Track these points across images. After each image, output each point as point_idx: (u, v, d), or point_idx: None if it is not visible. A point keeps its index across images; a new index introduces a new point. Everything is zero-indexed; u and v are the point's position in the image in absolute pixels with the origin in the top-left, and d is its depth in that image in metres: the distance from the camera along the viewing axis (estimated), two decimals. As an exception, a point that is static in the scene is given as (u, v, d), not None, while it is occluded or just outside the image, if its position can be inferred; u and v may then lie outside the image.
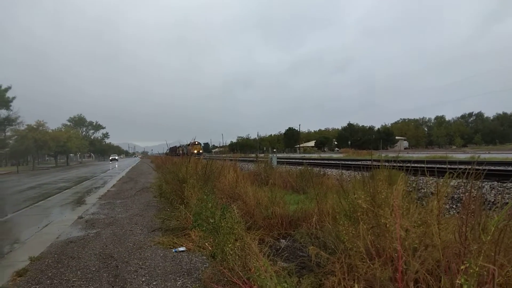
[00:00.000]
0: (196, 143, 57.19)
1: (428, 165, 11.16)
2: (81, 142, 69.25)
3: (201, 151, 57.63)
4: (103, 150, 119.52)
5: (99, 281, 3.61)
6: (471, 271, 1.49)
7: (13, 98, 38.10)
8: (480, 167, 3.20)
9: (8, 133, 45.09)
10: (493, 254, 1.55)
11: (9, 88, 37.18)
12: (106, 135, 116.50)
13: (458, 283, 1.51)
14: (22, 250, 5.09)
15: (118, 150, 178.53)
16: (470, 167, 2.90)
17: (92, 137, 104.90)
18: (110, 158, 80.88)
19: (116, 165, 41.85)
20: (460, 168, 3.32)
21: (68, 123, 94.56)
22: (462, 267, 1.54)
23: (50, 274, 3.88)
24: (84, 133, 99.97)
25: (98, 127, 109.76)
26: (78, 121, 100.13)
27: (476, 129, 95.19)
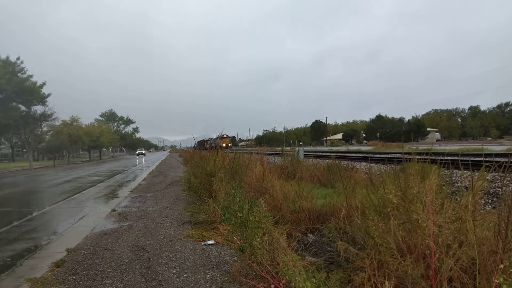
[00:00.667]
0: (225, 136, 55.81)
1: (462, 158, 10.76)
2: (113, 137, 71.27)
3: (230, 144, 56.28)
4: (134, 144, 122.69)
5: (132, 272, 3.74)
6: (511, 270, 1.43)
7: (49, 94, 39.61)
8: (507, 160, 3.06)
9: (44, 129, 47.05)
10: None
11: (44, 84, 38.64)
12: (136, 130, 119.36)
13: (496, 282, 1.45)
14: (59, 241, 5.33)
15: (148, 144, 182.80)
16: (507, 159, 2.77)
17: (123, 132, 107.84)
18: (137, 152, 74.78)
19: (144, 160, 42.88)
20: (496, 161, 3.18)
21: (100, 118, 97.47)
22: (501, 266, 1.48)
23: (86, 265, 4.05)
24: (115, 127, 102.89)
25: (128, 121, 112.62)
26: (110, 116, 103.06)
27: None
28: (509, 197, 1.89)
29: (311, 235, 4.80)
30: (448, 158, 7.15)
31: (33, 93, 36.75)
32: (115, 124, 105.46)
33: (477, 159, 10.88)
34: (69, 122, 50.33)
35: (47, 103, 40.45)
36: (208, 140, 51.70)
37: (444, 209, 2.64)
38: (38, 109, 40.30)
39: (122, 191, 11.36)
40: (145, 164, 31.40)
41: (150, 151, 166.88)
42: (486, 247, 2.11)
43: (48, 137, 50.37)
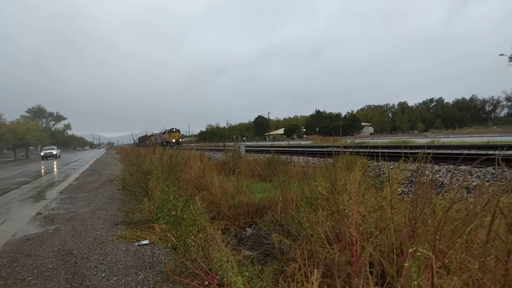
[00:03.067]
0: (174, 130, 49.70)
1: (390, 150, 11.53)
2: (41, 134, 66.14)
3: (180, 139, 49.87)
4: (66, 142, 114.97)
5: (57, 278, 3.47)
6: (418, 254, 1.54)
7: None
8: (431, 151, 3.32)
9: (-40, 126, 42.37)
10: (437, 237, 1.60)
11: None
12: (68, 126, 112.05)
13: (405, 265, 1.55)
14: (-27, 250, 4.80)
15: (82, 142, 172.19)
16: (423, 151, 2.99)
17: (53, 129, 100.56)
18: (42, 154, 46.64)
19: (76, 159, 40.13)
20: (418, 153, 3.42)
21: (27, 115, 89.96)
22: (410, 250, 1.59)
23: (3, 274, 3.68)
24: (44, 124, 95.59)
25: (59, 118, 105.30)
26: (37, 112, 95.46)
27: (436, 114, 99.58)
28: (417, 186, 2.03)
29: (249, 229, 4.83)
30: (376, 150, 7.65)
31: None
32: (44, 120, 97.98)
33: (402, 151, 11.73)
34: (-10, 118, 45.73)
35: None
36: (152, 135, 47.53)
37: (366, 199, 2.79)
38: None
39: (50, 192, 10.54)
40: (79, 163, 29.51)
41: (85, 149, 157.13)
42: (403, 233, 2.26)
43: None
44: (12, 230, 5.70)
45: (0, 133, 45.85)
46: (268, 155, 11.55)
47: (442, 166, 7.35)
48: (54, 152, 45.53)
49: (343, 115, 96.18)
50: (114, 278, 3.38)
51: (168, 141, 45.68)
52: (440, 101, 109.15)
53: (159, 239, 4.47)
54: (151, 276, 3.39)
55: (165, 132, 48.25)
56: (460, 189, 5.55)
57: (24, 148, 64.54)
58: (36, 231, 5.52)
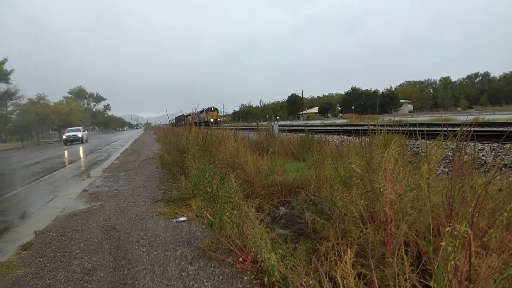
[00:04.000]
0: (212, 109, 47.49)
1: (429, 128, 11.08)
2: (84, 115, 69.20)
3: (219, 118, 46.84)
4: (106, 123, 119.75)
5: (101, 252, 3.71)
6: (456, 233, 1.50)
7: (11, 71, 37.57)
8: (473, 129, 3.16)
9: (9, 108, 45.06)
10: (476, 215, 1.55)
11: (5, 60, 36.60)
12: (107, 107, 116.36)
13: (441, 245, 1.52)
14: (27, 224, 5.21)
15: (121, 122, 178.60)
16: (465, 128, 2.85)
17: (94, 109, 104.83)
18: (65, 136, 35.16)
19: (116, 139, 41.59)
20: (458, 130, 3.27)
21: (69, 96, 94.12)
22: (447, 229, 1.54)
23: (53, 247, 3.98)
24: (85, 105, 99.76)
25: (99, 98, 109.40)
26: (79, 93, 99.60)
27: (482, 90, 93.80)
28: (455, 162, 1.95)
29: (283, 208, 4.88)
30: (415, 128, 7.36)
31: (-6, 70, 34.83)
32: (85, 101, 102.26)
33: (442, 128, 11.22)
34: (35, 100, 48.32)
35: (10, 81, 38.51)
36: (189, 115, 46.77)
37: (401, 177, 2.72)
38: (1, 87, 38.38)
39: (94, 170, 11.13)
40: (118, 143, 30.76)
41: (124, 129, 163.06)
42: (440, 212, 2.20)
43: (14, 117, 48.28)
44: (61, 206, 6.10)
45: (45, 114, 48.21)
46: (301, 134, 11.47)
47: (486, 144, 6.98)
48: (80, 135, 34.95)
49: (380, 92, 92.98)
50: (154, 253, 3.55)
51: (206, 120, 44.85)
52: (486, 75, 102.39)
53: (196, 216, 4.62)
54: (188, 251, 3.54)
55: (203, 111, 47.63)
56: (502, 167, 5.27)
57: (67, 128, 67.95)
58: (82, 207, 5.88)
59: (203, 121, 44.82)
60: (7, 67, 37.11)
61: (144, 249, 3.67)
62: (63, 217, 5.32)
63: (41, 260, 3.60)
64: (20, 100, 44.12)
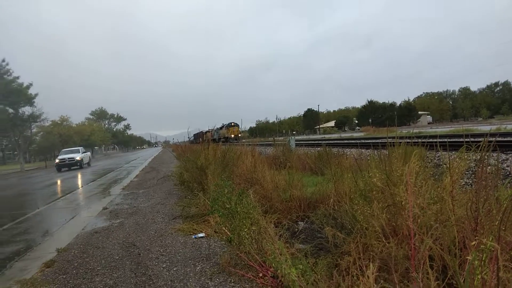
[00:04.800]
0: (233, 124, 45.43)
1: (450, 140, 10.84)
2: (104, 135, 70.83)
3: (240, 134, 45.06)
4: (126, 142, 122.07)
5: (122, 268, 3.73)
6: (482, 247, 1.45)
7: (36, 94, 39.11)
8: (495, 139, 3.07)
9: (34, 130, 46.57)
10: (503, 229, 1.50)
11: (31, 85, 38.16)
12: (127, 127, 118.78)
13: (468, 259, 1.47)
14: (50, 242, 5.31)
15: (141, 141, 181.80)
16: (489, 139, 2.78)
17: (114, 129, 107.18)
18: (57, 159, 27.16)
19: (136, 157, 42.17)
20: (481, 141, 3.19)
21: (91, 117, 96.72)
22: (473, 243, 1.50)
23: (76, 264, 4.04)
24: (106, 125, 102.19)
25: (119, 119, 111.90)
26: (100, 114, 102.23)
27: (503, 99, 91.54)
28: (479, 174, 1.90)
29: (302, 222, 4.83)
30: (435, 140, 7.22)
31: (20, 95, 36.33)
32: (106, 122, 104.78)
33: (464, 139, 10.96)
34: (58, 122, 49.93)
35: (35, 104, 40.00)
36: (208, 131, 45.13)
37: (423, 190, 2.66)
38: (26, 110, 39.86)
39: (114, 188, 11.31)
40: (138, 161, 31.25)
41: (143, 148, 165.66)
42: (465, 225, 2.13)
43: (38, 138, 49.85)
44: (82, 224, 6.20)
45: (68, 135, 49.67)
46: (319, 148, 11.41)
47: (510, 154, 6.78)
48: (78, 158, 27.17)
49: (398, 104, 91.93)
50: (174, 269, 3.56)
51: (226, 136, 43.18)
52: (506, 84, 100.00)
53: (215, 232, 4.62)
54: (207, 267, 3.52)
55: (222, 127, 46.37)
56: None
57: (89, 148, 69.58)
58: (103, 225, 5.96)
59: (223, 137, 43.48)
60: (31, 91, 38.71)
61: (164, 265, 3.68)
62: (85, 235, 5.40)
63: (64, 277, 3.65)
64: (44, 122, 45.64)
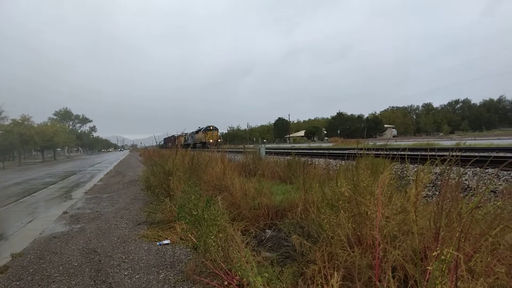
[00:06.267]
0: (211, 128, 41.03)
1: (414, 153, 11.27)
2: (68, 136, 68.12)
3: (219, 139, 40.75)
4: (91, 144, 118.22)
5: (81, 275, 3.57)
6: (442, 257, 1.50)
7: (-4, 92, 37.24)
8: (460, 153, 3.22)
9: (-9, 128, 44.18)
10: (462, 240, 1.55)
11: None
12: (93, 129, 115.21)
13: (429, 269, 1.51)
14: (4, 246, 5.00)
15: (107, 144, 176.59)
16: (449, 153, 2.90)
17: (79, 131, 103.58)
18: None
19: (101, 160, 40.96)
20: (443, 155, 3.33)
21: (54, 117, 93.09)
22: (434, 253, 1.54)
23: (31, 270, 3.82)
24: (71, 127, 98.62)
25: (85, 120, 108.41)
26: (64, 115, 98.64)
27: (463, 116, 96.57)
28: (442, 188, 1.98)
29: (269, 230, 4.82)
30: (400, 153, 7.46)
31: (-22, 91, 34.40)
32: (71, 123, 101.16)
33: (428, 153, 11.42)
34: (19, 121, 47.51)
35: (-6, 101, 38.00)
36: (181, 135, 40.78)
37: (392, 201, 2.73)
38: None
39: (76, 192, 10.86)
40: (103, 164, 30.26)
41: (109, 151, 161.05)
42: (427, 236, 2.20)
43: (-4, 138, 47.23)
44: (40, 228, 5.90)
45: (28, 135, 47.38)
46: (288, 157, 11.51)
47: (468, 169, 7.12)
48: None
49: (365, 117, 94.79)
50: (136, 276, 3.44)
51: (203, 141, 38.79)
52: (466, 102, 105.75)
53: (180, 238, 4.53)
54: (171, 275, 3.44)
55: (199, 130, 42.01)
56: (486, 192, 5.36)
57: (51, 149, 66.62)
58: (62, 230, 5.70)
59: (200, 142, 39.86)
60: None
61: (126, 273, 3.55)
62: (42, 240, 5.13)
63: (18, 283, 3.44)
64: (3, 121, 43.37)
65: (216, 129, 41.80)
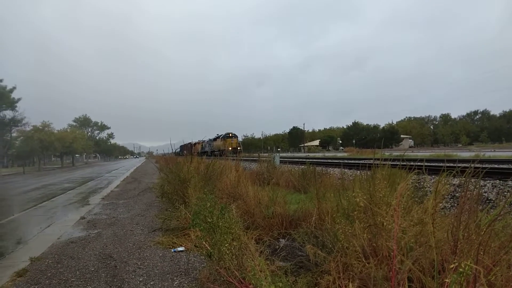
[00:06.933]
0: (231, 135, 39.37)
1: (431, 164, 11.07)
2: (87, 143, 69.52)
3: (239, 147, 38.81)
4: (109, 151, 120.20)
5: (97, 281, 3.62)
6: (460, 270, 1.47)
7: (19, 99, 38.47)
8: (480, 165, 3.17)
9: (14, 134, 45.45)
10: (481, 253, 1.53)
11: (14, 88, 37.56)
12: (111, 135, 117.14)
13: (446, 282, 1.49)
14: (23, 250, 5.12)
15: (124, 151, 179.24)
16: (469, 165, 2.86)
17: (97, 138, 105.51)
18: None
19: (119, 167, 41.52)
20: (461, 167, 3.28)
21: (74, 124, 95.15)
22: (451, 266, 1.52)
23: (49, 274, 3.90)
24: (89, 133, 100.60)
25: (103, 127, 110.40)
26: (84, 122, 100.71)
27: (482, 127, 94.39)
28: (461, 200, 1.95)
29: (283, 240, 4.80)
30: (417, 163, 7.34)
31: (2, 98, 35.57)
32: (89, 129, 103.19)
33: (444, 164, 11.22)
34: (40, 127, 48.78)
35: (17, 108, 39.22)
36: (198, 143, 40.03)
37: (409, 212, 2.70)
38: (8, 114, 39.01)
39: (93, 198, 11.06)
40: (120, 171, 30.72)
41: (126, 158, 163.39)
42: (445, 248, 2.16)
43: (18, 143, 48.56)
44: (58, 233, 6.02)
45: (49, 141, 48.51)
46: (303, 166, 11.47)
47: (488, 181, 6.96)
48: None
49: (381, 126, 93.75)
50: (151, 283, 3.47)
51: (222, 149, 35.30)
52: (485, 113, 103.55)
53: (195, 246, 4.55)
54: (186, 282, 3.46)
55: (217, 138, 40.58)
56: (506, 204, 5.23)
57: (70, 155, 68.03)
58: (80, 235, 5.80)
59: (218, 150, 37.23)
60: (14, 95, 38.04)
61: (141, 279, 3.59)
62: (60, 244, 5.24)
63: (36, 287, 3.52)
64: (25, 127, 44.64)
65: (236, 136, 40.40)
